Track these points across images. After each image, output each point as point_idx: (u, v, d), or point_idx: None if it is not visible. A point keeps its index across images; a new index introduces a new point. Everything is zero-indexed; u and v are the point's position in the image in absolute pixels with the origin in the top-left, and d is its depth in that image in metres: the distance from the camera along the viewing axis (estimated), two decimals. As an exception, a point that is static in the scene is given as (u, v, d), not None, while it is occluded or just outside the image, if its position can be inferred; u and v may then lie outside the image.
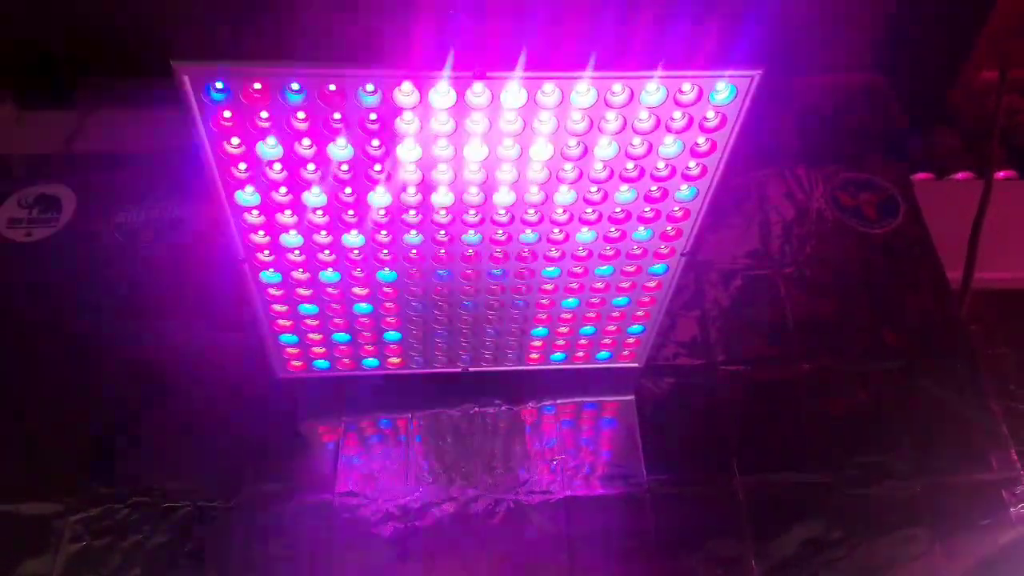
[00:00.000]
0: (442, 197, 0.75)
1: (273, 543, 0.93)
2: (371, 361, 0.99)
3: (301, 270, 0.83)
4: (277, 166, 0.71)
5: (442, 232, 0.79)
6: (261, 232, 0.78)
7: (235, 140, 0.68)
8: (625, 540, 0.95)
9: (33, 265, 1.15)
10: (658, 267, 0.87)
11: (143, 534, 0.93)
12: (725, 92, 0.67)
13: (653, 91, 0.66)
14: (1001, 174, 1.46)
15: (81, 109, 1.42)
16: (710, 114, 0.69)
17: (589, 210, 0.78)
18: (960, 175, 1.46)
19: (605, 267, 0.86)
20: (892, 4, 1.56)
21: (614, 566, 0.93)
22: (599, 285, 0.89)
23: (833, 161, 1.42)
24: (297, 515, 0.95)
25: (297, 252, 0.80)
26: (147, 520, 0.94)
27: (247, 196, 0.74)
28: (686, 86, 0.66)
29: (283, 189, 0.73)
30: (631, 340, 0.99)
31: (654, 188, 0.76)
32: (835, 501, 0.98)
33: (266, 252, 0.80)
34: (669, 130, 0.70)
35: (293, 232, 0.78)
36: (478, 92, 0.65)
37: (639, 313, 0.94)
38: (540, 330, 0.95)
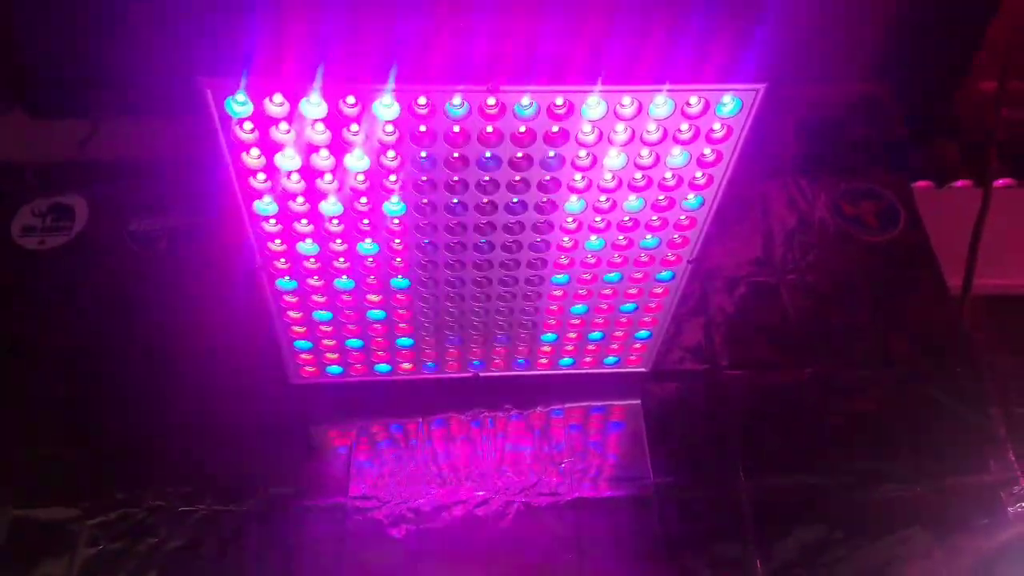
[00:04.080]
0: (455, 208, 0.77)
1: (287, 546, 0.95)
2: (383, 367, 1.01)
3: (316, 277, 0.85)
4: (295, 176, 0.73)
5: (455, 242, 0.81)
6: (278, 240, 0.80)
7: (255, 152, 0.70)
8: (633, 541, 0.97)
9: (47, 273, 1.17)
10: (665, 274, 0.89)
11: (159, 537, 0.94)
12: (731, 105, 0.69)
13: (661, 104, 0.69)
14: (1000, 182, 1.48)
15: (93, 117, 1.43)
16: (716, 126, 0.71)
17: (598, 219, 0.80)
18: (959, 183, 1.48)
19: (613, 274, 0.88)
20: (893, 16, 1.58)
21: (622, 567, 0.95)
22: (607, 291, 0.91)
23: (834, 171, 1.44)
24: (311, 518, 0.96)
25: (312, 260, 0.82)
26: (162, 524, 0.95)
27: (265, 206, 0.76)
28: (693, 99, 0.69)
29: (300, 199, 0.75)
30: (638, 345, 1.01)
31: (661, 197, 0.78)
32: (836, 503, 1.00)
33: (282, 260, 0.82)
34: (676, 141, 0.72)
35: (309, 240, 0.80)
36: (491, 105, 0.68)
37: (646, 319, 0.96)
38: (549, 335, 0.97)
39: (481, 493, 0.98)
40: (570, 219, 0.80)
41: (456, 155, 0.72)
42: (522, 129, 0.70)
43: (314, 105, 0.67)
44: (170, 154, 1.31)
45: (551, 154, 0.72)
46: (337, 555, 0.94)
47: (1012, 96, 1.50)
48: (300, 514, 0.97)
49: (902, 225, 1.24)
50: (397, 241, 0.81)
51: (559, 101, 0.68)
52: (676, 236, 0.83)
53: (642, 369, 1.05)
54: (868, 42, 1.64)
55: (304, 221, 0.78)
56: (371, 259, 0.83)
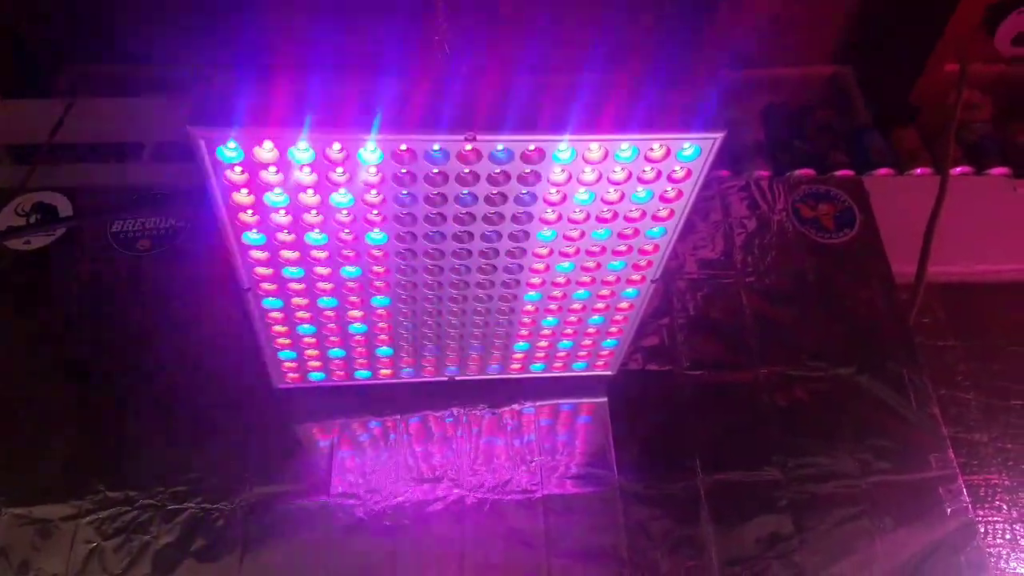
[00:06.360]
0: (434, 237, 0.82)
1: (274, 542, 1.00)
2: (364, 372, 1.06)
3: (301, 297, 0.89)
4: (282, 212, 0.77)
5: (434, 266, 0.86)
6: (265, 267, 0.84)
7: (244, 191, 0.74)
8: (598, 535, 1.03)
9: (34, 273, 1.20)
10: (630, 291, 0.94)
11: (151, 535, 1.00)
12: (691, 151, 0.74)
13: (626, 150, 0.73)
14: (957, 170, 1.54)
15: (63, 96, 1.45)
16: (677, 168, 0.76)
17: (568, 246, 0.85)
18: (919, 170, 1.54)
19: (582, 292, 0.94)
20: (856, 1, 1.62)
21: (588, 561, 1.02)
22: (576, 307, 0.96)
23: (796, 158, 1.51)
24: (296, 515, 1.02)
25: (298, 283, 0.87)
26: (154, 522, 1.01)
27: (253, 236, 0.80)
28: (655, 146, 0.73)
29: (287, 231, 0.79)
30: (605, 352, 1.07)
31: (627, 228, 0.83)
32: (787, 498, 1.07)
33: (269, 283, 0.87)
34: (641, 181, 0.77)
35: (295, 267, 0.84)
36: (468, 151, 0.72)
37: (612, 329, 1.02)
38: (521, 344, 1.03)
39: (457, 491, 1.05)
40: (542, 247, 0.85)
41: (436, 192, 0.76)
42: (497, 171, 0.74)
43: (302, 151, 0.71)
44: (143, 135, 1.35)
45: (524, 192, 0.77)
46: (320, 550, 1.00)
47: (972, 82, 1.56)
48: (285, 511, 1.02)
49: (858, 228, 1.30)
50: (379, 266, 0.85)
51: (531, 148, 0.72)
52: (641, 260, 0.89)
53: (609, 372, 1.11)
54: (831, 28, 1.69)
55: (290, 250, 0.82)
56: (353, 282, 0.87)
